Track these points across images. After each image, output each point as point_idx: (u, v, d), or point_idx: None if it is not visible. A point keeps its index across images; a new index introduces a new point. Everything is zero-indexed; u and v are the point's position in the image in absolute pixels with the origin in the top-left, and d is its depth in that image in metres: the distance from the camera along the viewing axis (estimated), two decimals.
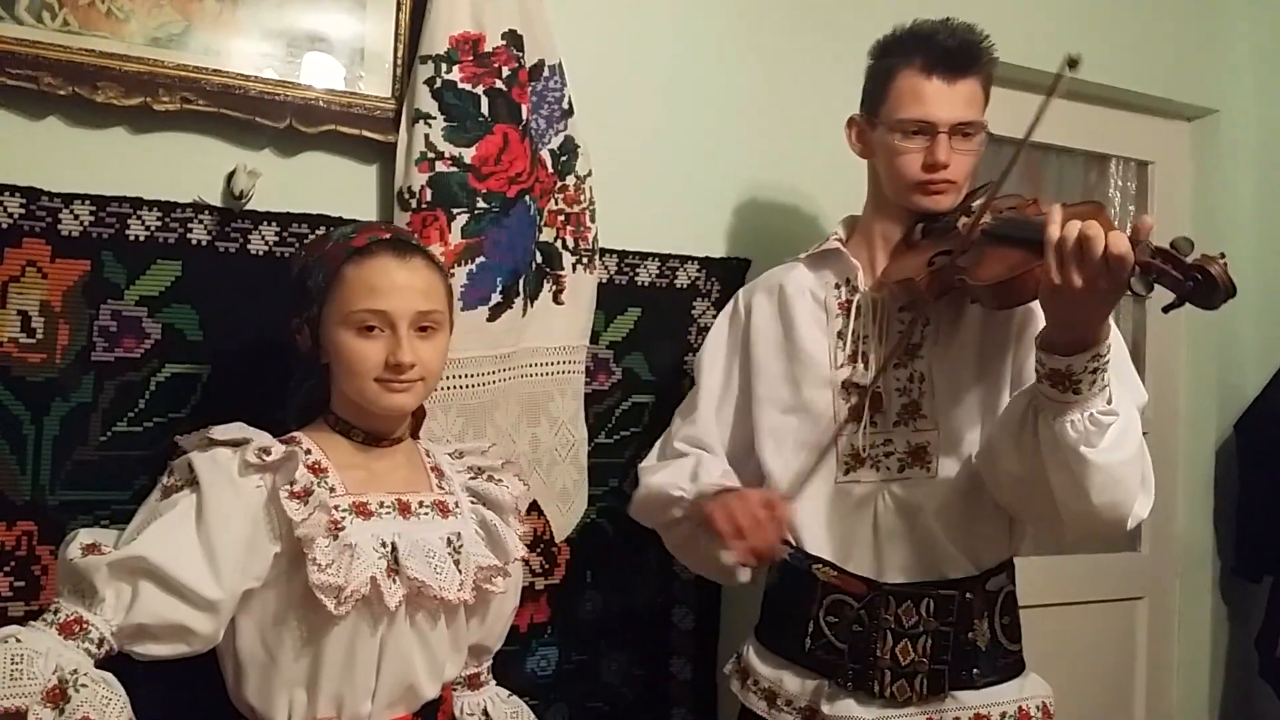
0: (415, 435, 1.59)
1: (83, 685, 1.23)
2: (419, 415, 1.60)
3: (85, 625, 1.27)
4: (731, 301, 1.88)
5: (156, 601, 1.29)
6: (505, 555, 1.49)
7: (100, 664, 1.28)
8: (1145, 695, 2.86)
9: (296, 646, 1.37)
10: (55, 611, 1.29)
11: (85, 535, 1.34)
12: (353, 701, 1.39)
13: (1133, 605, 2.86)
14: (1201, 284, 1.27)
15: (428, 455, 1.56)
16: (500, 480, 1.57)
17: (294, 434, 1.47)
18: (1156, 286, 1.30)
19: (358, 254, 1.44)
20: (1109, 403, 1.42)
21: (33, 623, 1.29)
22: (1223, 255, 1.28)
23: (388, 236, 1.48)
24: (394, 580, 1.36)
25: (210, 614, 1.31)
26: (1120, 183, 2.95)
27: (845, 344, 1.71)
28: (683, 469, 1.76)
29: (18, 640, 1.23)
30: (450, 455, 1.59)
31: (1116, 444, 1.43)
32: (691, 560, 1.82)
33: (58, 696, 1.21)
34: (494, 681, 1.67)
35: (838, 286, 1.75)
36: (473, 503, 1.53)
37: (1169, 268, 1.28)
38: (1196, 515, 2.89)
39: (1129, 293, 1.31)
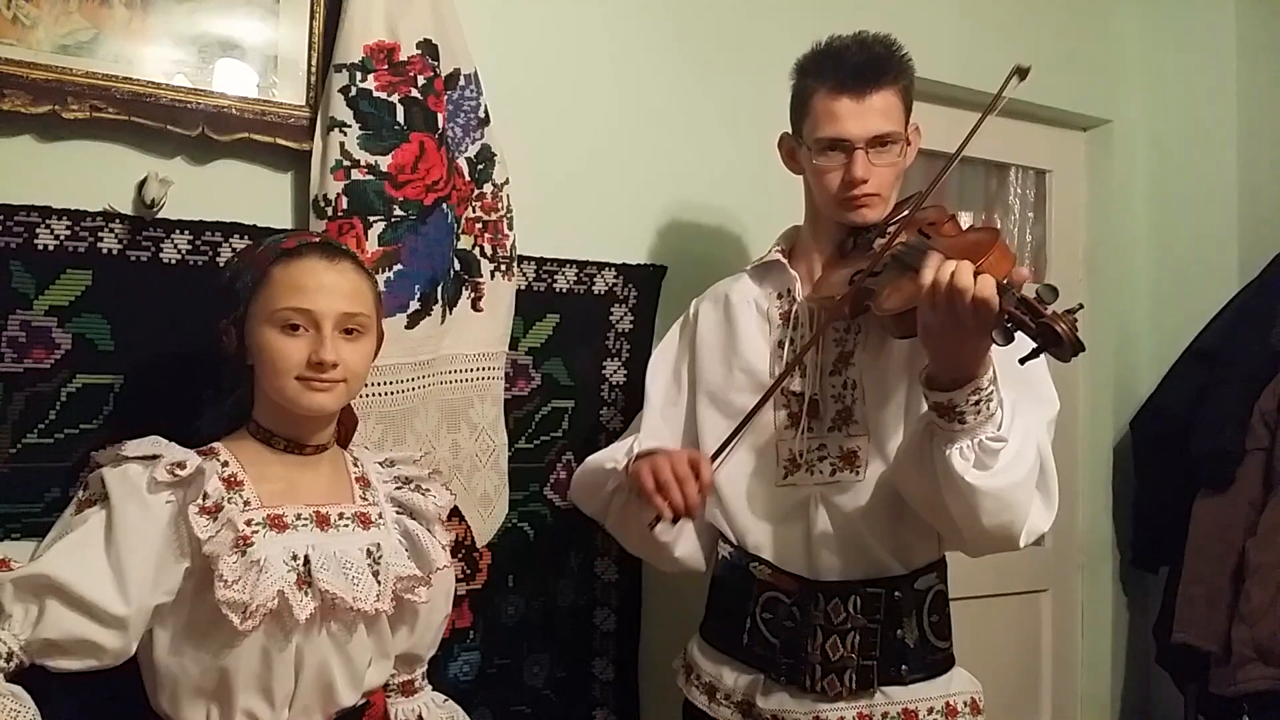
0: (344, 444, 1.59)
1: None
2: (348, 424, 1.60)
3: None
4: (684, 312, 1.92)
5: (63, 618, 1.29)
6: (428, 565, 1.50)
7: (17, 677, 1.28)
8: (1051, 684, 2.96)
9: (208, 659, 1.37)
10: None
11: None
12: (267, 710, 1.39)
13: (1037, 598, 2.96)
14: (1051, 339, 1.31)
15: (355, 464, 1.56)
16: (427, 490, 1.57)
17: (213, 445, 1.46)
18: (1018, 335, 1.34)
19: (286, 255, 1.45)
20: (999, 428, 1.47)
21: None
22: (1080, 306, 1.33)
23: (317, 240, 1.51)
24: (305, 593, 1.36)
25: (118, 630, 1.32)
26: (1020, 190, 3.05)
27: (784, 353, 1.75)
28: (620, 446, 1.79)
29: None
30: (380, 464, 1.59)
31: (1005, 469, 1.47)
32: (629, 537, 1.82)
33: None
34: (429, 687, 1.69)
35: (779, 297, 1.80)
36: (397, 513, 1.53)
37: (1027, 319, 1.32)
38: (1097, 510, 3.00)
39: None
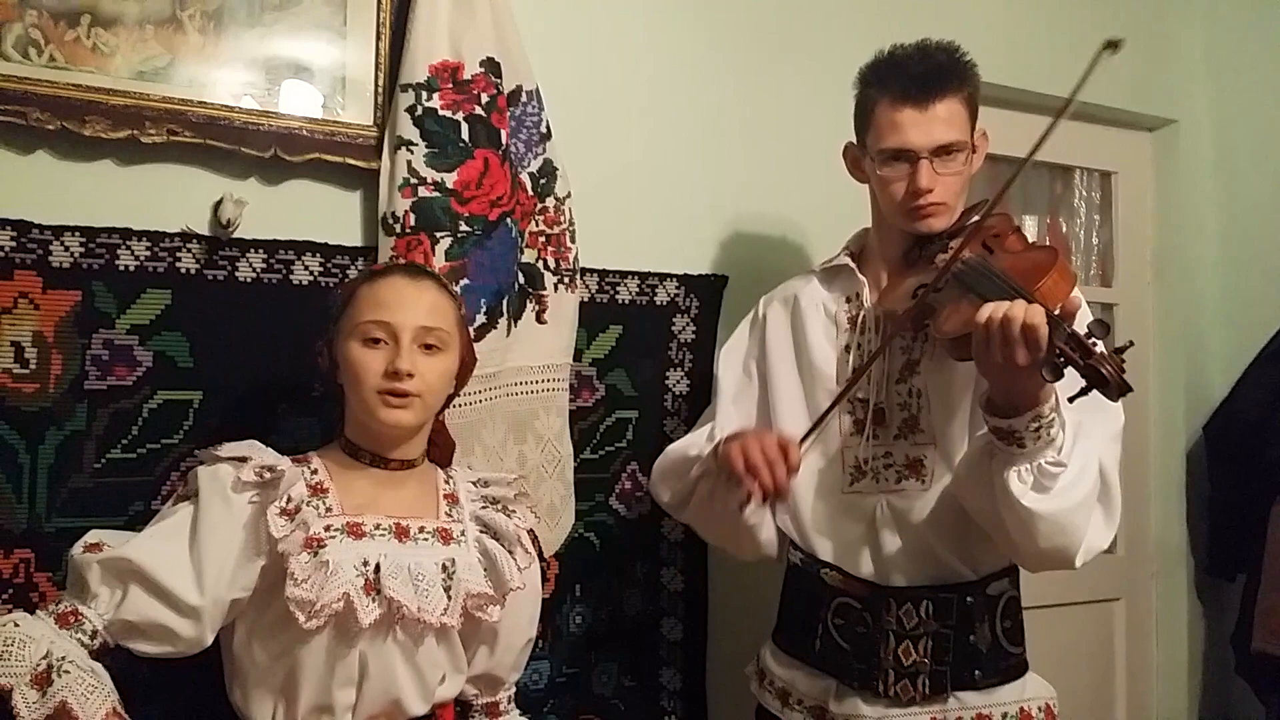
0: (442, 464, 1.63)
1: (66, 671, 1.29)
2: (443, 444, 1.64)
3: (80, 617, 1.35)
4: (753, 309, 1.93)
5: (142, 602, 1.36)
6: (503, 585, 1.51)
7: (101, 655, 1.35)
8: (1126, 695, 2.91)
9: (277, 656, 1.42)
10: (57, 602, 1.38)
11: (93, 535, 1.42)
12: (331, 714, 1.42)
13: (1110, 606, 2.91)
14: (1097, 380, 1.34)
15: (448, 482, 1.60)
16: (513, 512, 1.59)
17: (308, 454, 1.52)
18: (1068, 371, 1.36)
19: (373, 276, 1.52)
20: (1059, 452, 1.47)
21: (38, 611, 1.37)
22: (1130, 344, 1.35)
23: (404, 263, 1.57)
24: (371, 598, 1.39)
25: (192, 620, 1.37)
26: (1085, 193, 3.01)
27: (851, 358, 1.75)
28: (699, 434, 1.81)
29: (16, 625, 1.32)
30: (474, 484, 1.62)
31: (1063, 492, 1.48)
32: (710, 525, 1.82)
33: (43, 680, 1.28)
34: (516, 712, 1.70)
35: (848, 301, 1.80)
36: (480, 532, 1.55)
37: (1076, 356, 1.35)
38: (1170, 517, 2.94)
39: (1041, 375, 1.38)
